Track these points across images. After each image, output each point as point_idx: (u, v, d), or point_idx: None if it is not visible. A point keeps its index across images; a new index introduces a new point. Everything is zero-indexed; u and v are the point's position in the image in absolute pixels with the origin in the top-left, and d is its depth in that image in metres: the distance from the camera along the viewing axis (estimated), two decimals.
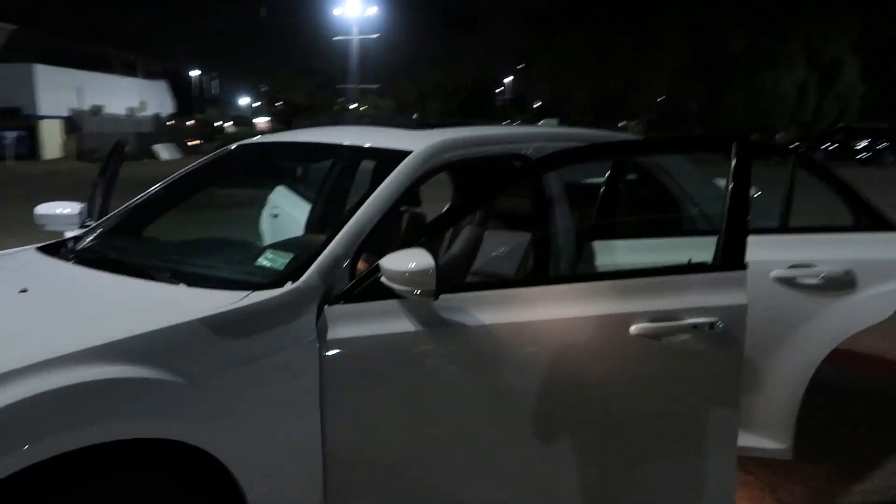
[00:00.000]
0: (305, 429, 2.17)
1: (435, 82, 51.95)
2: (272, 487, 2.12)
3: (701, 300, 2.32)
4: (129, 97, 47.99)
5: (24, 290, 2.35)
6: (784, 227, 3.14)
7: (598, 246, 3.11)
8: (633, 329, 2.28)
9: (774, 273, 2.99)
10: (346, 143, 3.19)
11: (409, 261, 2.12)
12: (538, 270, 2.94)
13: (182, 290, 2.32)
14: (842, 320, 2.95)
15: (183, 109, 56.76)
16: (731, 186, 2.42)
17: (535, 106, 74.19)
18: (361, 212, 2.46)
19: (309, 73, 56.04)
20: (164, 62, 60.01)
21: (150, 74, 55.07)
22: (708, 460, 2.41)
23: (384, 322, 2.24)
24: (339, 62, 49.30)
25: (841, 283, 2.96)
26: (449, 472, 2.34)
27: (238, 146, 3.49)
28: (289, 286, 2.24)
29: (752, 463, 3.53)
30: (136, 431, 1.85)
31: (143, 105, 49.23)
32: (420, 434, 2.30)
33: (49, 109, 38.42)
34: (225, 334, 2.07)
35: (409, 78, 53.42)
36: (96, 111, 42.21)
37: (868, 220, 3.14)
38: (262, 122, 60.07)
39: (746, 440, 3.02)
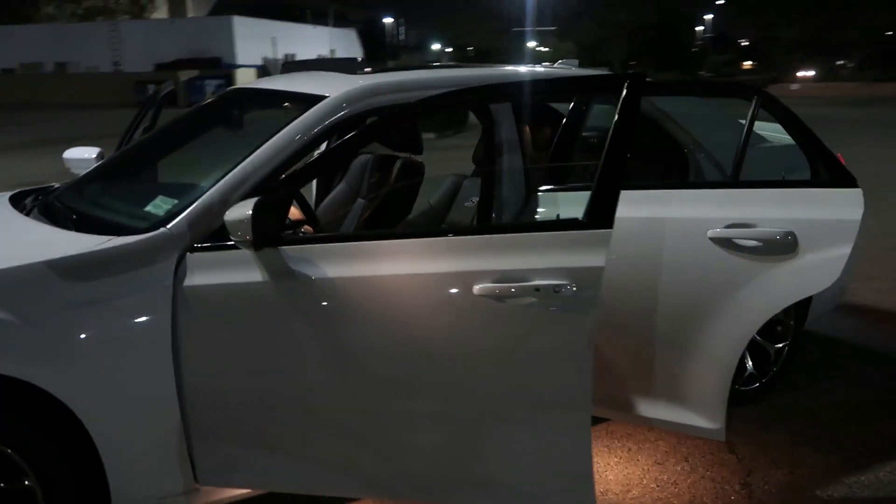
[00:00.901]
0: (156, 372, 2.23)
1: (621, 23, 49.93)
2: (122, 428, 2.21)
3: (552, 261, 2.10)
4: (319, 45, 50.24)
5: None
6: (734, 181, 2.77)
7: (544, 197, 2.91)
8: (476, 289, 2.13)
9: (711, 232, 2.65)
10: (276, 87, 3.18)
11: (234, 210, 2.10)
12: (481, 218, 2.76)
13: (63, 234, 2.43)
14: (778, 288, 2.59)
15: (372, 57, 58.58)
16: (610, 134, 2.16)
17: (742, 44, 69.38)
18: (248, 161, 2.46)
19: (492, 17, 55.83)
20: (353, 10, 62.09)
21: (339, 23, 57.24)
22: (558, 432, 2.21)
23: (237, 271, 2.24)
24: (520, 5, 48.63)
25: (781, 247, 2.58)
26: (297, 423, 2.33)
27: (230, 90, 3.59)
28: (153, 233, 2.30)
29: (744, 443, 3.23)
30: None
31: (332, 53, 51.36)
32: (271, 383, 2.30)
33: (245, 58, 41.10)
34: (68, 277, 2.17)
35: (592, 19, 51.75)
36: (287, 59, 44.56)
37: (827, 174, 2.70)
38: None
39: (679, 416, 2.75)
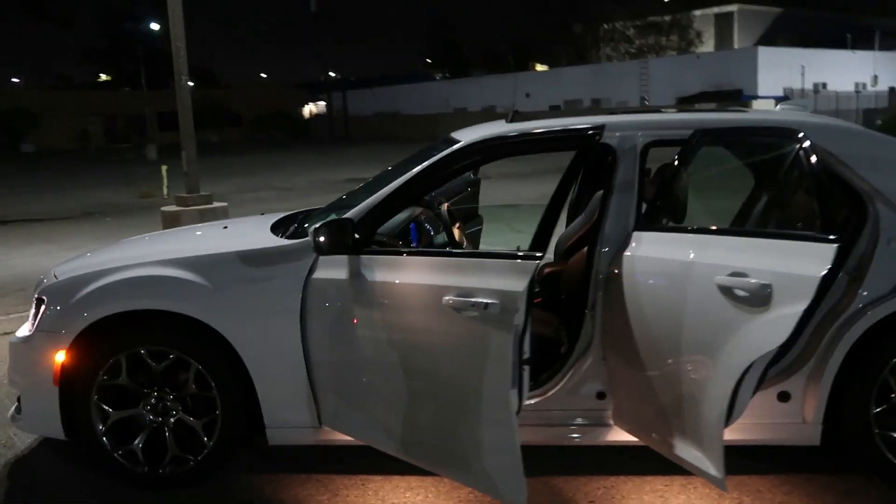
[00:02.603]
0: (290, 334, 3.28)
1: None
2: (269, 371, 3.33)
3: (492, 282, 2.55)
4: (859, 72, 46.28)
5: (225, 227, 4.02)
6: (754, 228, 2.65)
7: None
8: (444, 299, 2.69)
9: (717, 279, 2.63)
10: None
11: (314, 225, 3.05)
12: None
13: (270, 238, 3.62)
14: (750, 341, 2.44)
15: None
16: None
17: None
18: (381, 192, 3.36)
19: None
20: None
21: (888, 44, 51.68)
22: (492, 422, 2.60)
23: (336, 270, 3.18)
24: None
25: (760, 299, 2.44)
26: (363, 389, 3.14)
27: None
28: (301, 241, 3.36)
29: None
30: (172, 307, 3.32)
31: (874, 80, 46.78)
32: (346, 354, 3.17)
33: (768, 89, 40.24)
34: (246, 263, 3.36)
35: None
36: (817, 88, 42.16)
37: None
38: None
39: (696, 459, 2.77)
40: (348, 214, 3.26)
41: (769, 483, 3.34)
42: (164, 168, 17.59)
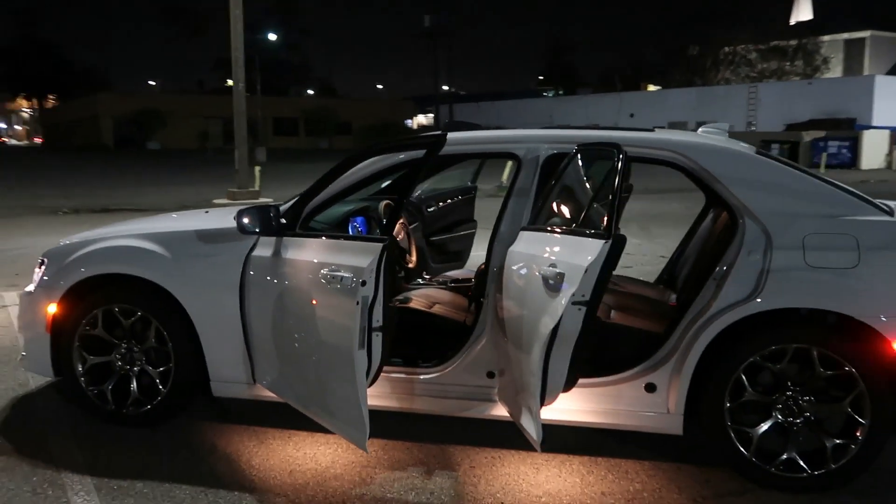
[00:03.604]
0: (231, 301, 3.86)
1: None
2: (214, 329, 3.92)
3: (349, 260, 3.08)
4: None
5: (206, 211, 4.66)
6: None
7: None
8: (321, 273, 3.21)
9: (541, 270, 3.04)
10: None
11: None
12: None
13: (230, 222, 4.22)
14: (555, 324, 2.94)
15: None
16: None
17: None
18: (308, 188, 3.90)
19: None
20: None
21: None
22: (344, 387, 3.10)
23: (268, 249, 3.74)
24: None
25: (556, 286, 2.97)
26: (276, 349, 3.68)
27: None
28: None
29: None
30: (138, 272, 3.97)
31: None
32: (265, 319, 3.71)
33: (884, 119, 38.46)
34: (201, 240, 3.98)
35: None
36: None
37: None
38: None
39: (529, 426, 3.15)
40: (283, 203, 3.82)
41: (638, 466, 3.67)
42: (256, 168, 18.80)
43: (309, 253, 3.45)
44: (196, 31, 78.89)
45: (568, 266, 2.94)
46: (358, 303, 3.04)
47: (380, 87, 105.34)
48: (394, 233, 4.55)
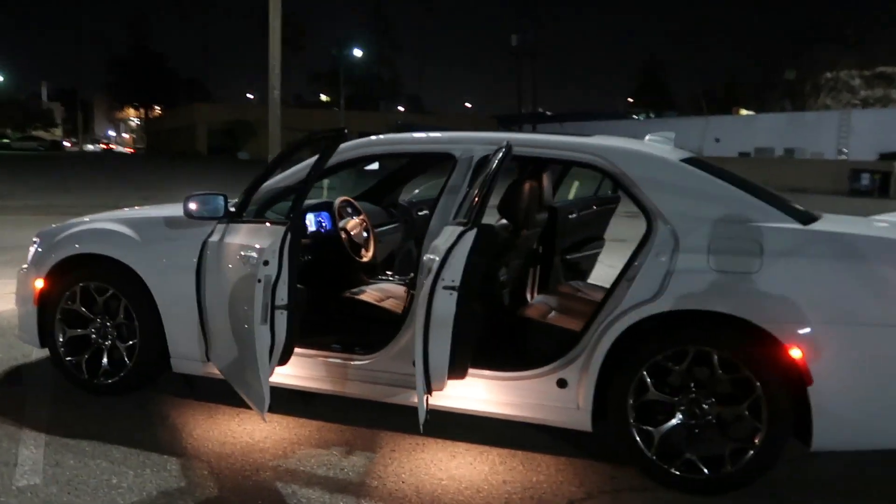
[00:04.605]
0: (189, 281, 4.16)
1: None
2: (173, 307, 4.24)
3: (258, 242, 3.35)
4: None
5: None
6: None
7: None
8: (240, 253, 3.47)
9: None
10: None
11: None
12: None
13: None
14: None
15: None
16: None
17: None
18: (253, 180, 4.19)
19: None
20: None
21: None
22: (251, 359, 3.33)
23: (218, 234, 4.04)
24: None
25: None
26: (222, 324, 3.96)
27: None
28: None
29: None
30: (110, 253, 4.34)
31: None
32: (213, 296, 4.00)
33: None
34: (168, 225, 4.32)
35: None
36: None
37: None
38: None
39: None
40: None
41: (552, 461, 3.77)
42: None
43: (239, 237, 3.73)
44: (294, 47, 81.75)
45: (438, 252, 3.11)
46: (260, 280, 3.29)
47: (468, 105, 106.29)
48: (348, 227, 4.80)
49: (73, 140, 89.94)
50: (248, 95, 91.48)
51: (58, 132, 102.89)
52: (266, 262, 3.30)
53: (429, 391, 3.30)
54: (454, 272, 3.03)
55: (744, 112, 65.66)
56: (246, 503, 3.28)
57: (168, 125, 68.65)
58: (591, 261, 5.73)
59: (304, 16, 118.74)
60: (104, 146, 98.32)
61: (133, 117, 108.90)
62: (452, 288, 3.04)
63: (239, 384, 3.69)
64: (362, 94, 79.53)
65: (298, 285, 3.57)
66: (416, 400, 3.81)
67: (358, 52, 62.32)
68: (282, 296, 3.34)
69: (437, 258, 3.07)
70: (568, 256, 5.43)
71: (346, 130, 3.63)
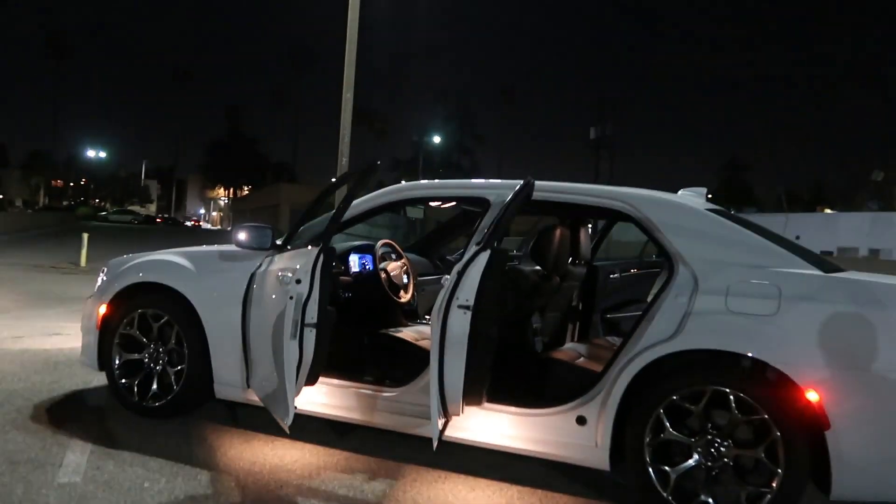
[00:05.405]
0: (236, 312, 4.43)
1: None
2: (219, 335, 4.50)
3: (293, 263, 3.58)
4: None
5: None
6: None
7: None
8: (279, 274, 3.73)
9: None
10: None
11: None
12: None
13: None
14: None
15: None
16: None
17: None
18: (301, 215, 4.48)
19: None
20: None
21: None
22: (280, 372, 3.49)
23: (266, 264, 4.32)
24: None
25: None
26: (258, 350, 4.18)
27: None
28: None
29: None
30: (166, 282, 4.66)
31: None
32: (259, 327, 4.24)
33: None
34: (222, 258, 4.63)
35: None
36: None
37: None
38: None
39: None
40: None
41: (569, 499, 3.79)
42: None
43: (280, 263, 3.99)
44: (378, 135, 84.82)
45: (453, 272, 3.28)
46: (291, 297, 3.51)
47: None
48: (388, 268, 5.02)
49: (165, 215, 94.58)
50: (332, 179, 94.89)
51: (153, 207, 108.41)
52: (298, 281, 3.53)
53: (445, 413, 3.41)
54: (468, 291, 3.19)
55: (828, 211, 64.30)
56: None
57: (253, 204, 71.55)
58: (631, 322, 5.77)
59: (391, 106, 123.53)
60: (193, 223, 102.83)
61: (222, 196, 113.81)
62: (466, 307, 3.19)
63: (269, 401, 3.87)
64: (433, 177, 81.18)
65: (330, 308, 3.77)
66: (444, 433, 3.94)
67: (437, 139, 63.99)
68: (312, 314, 3.55)
69: (452, 278, 3.25)
70: (608, 315, 5.51)
71: (378, 163, 3.88)
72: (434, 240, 6.11)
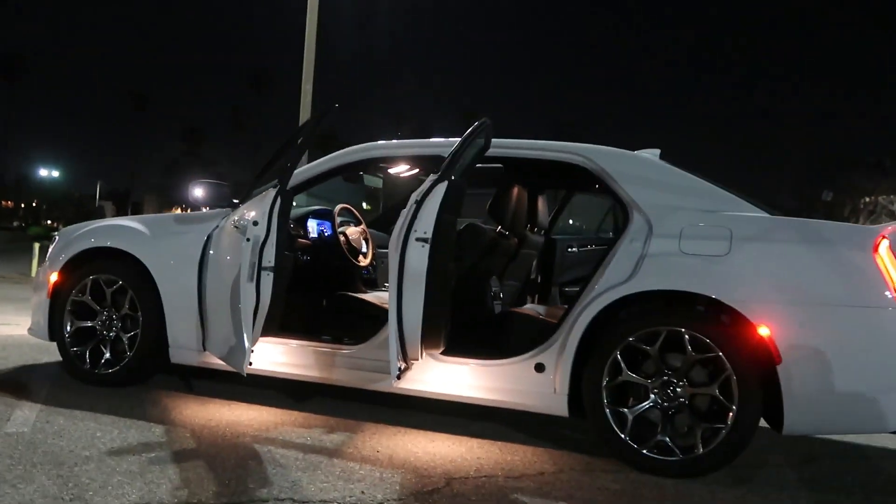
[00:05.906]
0: (191, 274, 4.38)
1: None
2: (175, 296, 4.43)
3: (253, 209, 3.56)
4: None
5: None
6: None
7: None
8: (234, 224, 3.70)
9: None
10: None
11: None
12: None
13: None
14: None
15: None
16: None
17: None
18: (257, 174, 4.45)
19: None
20: None
21: None
22: (234, 317, 3.47)
23: (229, 220, 4.27)
24: None
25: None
26: (214, 307, 4.13)
27: None
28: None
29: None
30: (120, 246, 4.58)
31: None
32: (215, 287, 4.19)
33: None
34: (177, 221, 4.57)
35: None
36: None
37: None
38: None
39: None
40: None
41: (528, 447, 3.80)
42: None
43: (236, 215, 3.96)
44: None
45: (412, 204, 3.31)
46: (248, 239, 3.49)
47: None
48: (347, 232, 5.01)
49: None
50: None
51: None
52: (255, 223, 3.50)
53: (404, 359, 3.40)
54: (426, 224, 3.20)
55: None
56: (220, 455, 3.36)
57: None
58: None
59: (349, 129, 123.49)
60: None
61: None
62: (425, 240, 3.19)
63: (227, 356, 3.82)
64: None
65: (288, 253, 3.75)
66: (397, 386, 3.92)
67: None
68: (269, 257, 3.52)
69: (409, 208, 3.25)
70: (566, 288, 5.56)
71: (336, 105, 3.88)
72: (394, 214, 6.10)
